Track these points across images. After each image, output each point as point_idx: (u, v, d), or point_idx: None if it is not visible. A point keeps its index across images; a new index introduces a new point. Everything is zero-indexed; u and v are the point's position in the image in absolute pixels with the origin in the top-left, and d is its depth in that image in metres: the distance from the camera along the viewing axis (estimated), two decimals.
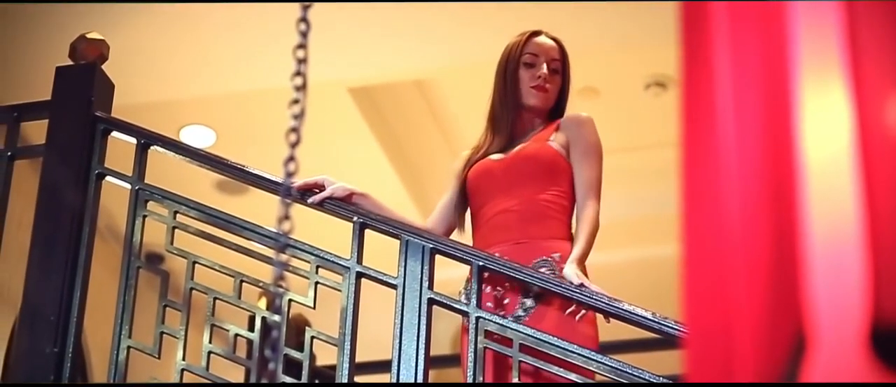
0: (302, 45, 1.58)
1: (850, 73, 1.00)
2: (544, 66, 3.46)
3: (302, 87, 1.57)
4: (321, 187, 3.32)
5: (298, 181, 3.27)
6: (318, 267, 3.22)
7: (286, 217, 1.54)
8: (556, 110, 3.54)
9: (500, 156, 3.44)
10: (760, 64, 1.10)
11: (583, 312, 3.18)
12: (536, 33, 3.53)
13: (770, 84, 1.07)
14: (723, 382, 1.06)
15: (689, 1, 1.21)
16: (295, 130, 1.54)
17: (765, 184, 1.06)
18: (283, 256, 1.58)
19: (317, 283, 3.22)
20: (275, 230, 3.23)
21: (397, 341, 3.09)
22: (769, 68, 1.08)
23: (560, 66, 3.50)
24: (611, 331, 3.31)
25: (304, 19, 1.58)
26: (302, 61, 1.58)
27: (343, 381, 3.10)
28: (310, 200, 3.29)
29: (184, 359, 3.25)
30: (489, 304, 3.22)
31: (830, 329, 0.94)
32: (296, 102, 1.55)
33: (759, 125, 1.08)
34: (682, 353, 1.14)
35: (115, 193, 3.51)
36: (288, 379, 3.20)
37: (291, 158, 1.54)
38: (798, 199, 0.98)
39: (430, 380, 3.14)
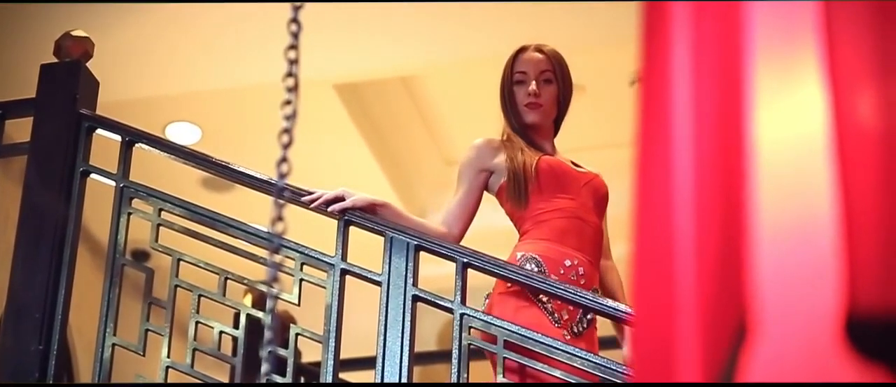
0: (293, 46, 1.58)
1: (824, 63, 1.01)
2: (533, 82, 3.46)
3: (294, 88, 1.57)
4: (342, 199, 3.30)
5: (319, 194, 3.28)
6: (302, 264, 3.23)
7: (279, 218, 1.54)
8: (560, 115, 3.56)
9: (571, 164, 3.46)
10: (719, 59, 1.11)
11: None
12: (523, 49, 3.53)
13: (727, 79, 1.08)
14: (667, 377, 1.07)
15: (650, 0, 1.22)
16: (287, 131, 1.54)
17: (717, 179, 1.08)
18: (277, 258, 1.57)
19: (301, 280, 3.22)
20: (262, 228, 3.24)
21: (382, 337, 3.10)
22: (727, 63, 1.09)
23: (552, 74, 3.48)
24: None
25: (295, 20, 1.58)
26: (293, 62, 1.58)
27: (328, 377, 3.10)
28: (331, 208, 3.28)
29: (169, 356, 3.25)
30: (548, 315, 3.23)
31: (780, 320, 0.96)
32: (288, 103, 1.55)
33: (716, 120, 1.10)
34: (632, 349, 1.16)
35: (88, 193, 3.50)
36: (278, 379, 3.20)
37: (284, 159, 1.54)
38: (747, 191, 1.00)
39: (416, 377, 3.15)
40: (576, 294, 3.09)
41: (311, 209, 3.30)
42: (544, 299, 3.19)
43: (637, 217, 1.17)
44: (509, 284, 3.21)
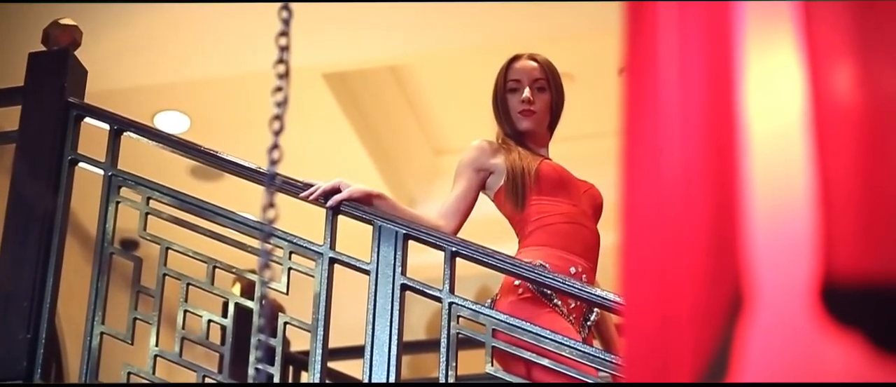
0: (284, 33, 1.58)
1: (802, 37, 1.03)
2: (527, 89, 3.48)
3: (285, 75, 1.57)
4: (338, 190, 3.30)
5: (317, 185, 3.28)
6: (291, 253, 3.23)
7: (271, 205, 1.54)
8: (553, 122, 3.58)
9: (570, 172, 3.47)
10: (706, 35, 1.12)
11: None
12: (516, 58, 3.55)
13: (714, 52, 1.09)
14: (660, 357, 1.08)
15: None
16: (278, 118, 1.54)
17: (706, 154, 1.09)
18: (268, 246, 1.58)
19: (290, 268, 3.22)
20: (250, 216, 3.24)
21: (370, 326, 3.10)
22: (713, 37, 1.10)
23: (545, 83, 3.51)
24: None
25: (286, 7, 1.58)
26: (284, 49, 1.58)
27: (316, 366, 3.10)
28: (328, 203, 3.28)
29: (157, 345, 3.26)
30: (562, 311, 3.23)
31: (773, 289, 0.97)
32: (279, 89, 1.55)
33: (703, 96, 1.11)
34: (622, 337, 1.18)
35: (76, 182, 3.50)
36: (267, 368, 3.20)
37: (275, 146, 1.54)
38: (739, 166, 1.01)
39: (404, 366, 3.15)
40: (565, 282, 3.10)
41: (309, 203, 3.30)
42: (559, 302, 3.21)
43: (625, 202, 1.18)
44: (520, 291, 3.22)
